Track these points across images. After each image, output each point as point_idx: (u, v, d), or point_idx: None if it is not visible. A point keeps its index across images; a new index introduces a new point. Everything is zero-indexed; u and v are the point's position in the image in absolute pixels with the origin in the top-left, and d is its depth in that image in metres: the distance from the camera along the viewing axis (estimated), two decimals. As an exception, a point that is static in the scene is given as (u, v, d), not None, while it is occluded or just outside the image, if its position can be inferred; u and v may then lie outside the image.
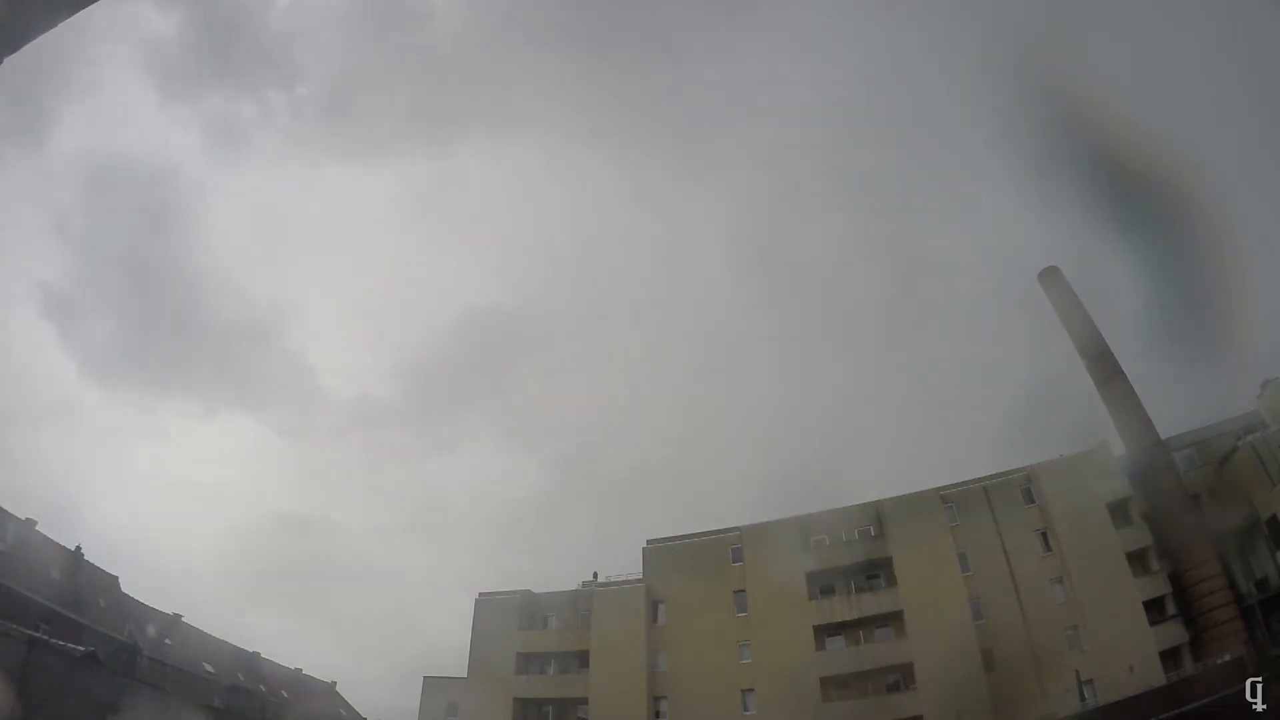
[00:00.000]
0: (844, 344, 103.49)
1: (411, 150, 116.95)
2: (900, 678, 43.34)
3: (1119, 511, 43.01)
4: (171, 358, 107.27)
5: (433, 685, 49.52)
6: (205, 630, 47.04)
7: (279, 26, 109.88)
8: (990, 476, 47.15)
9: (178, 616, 46.34)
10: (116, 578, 43.38)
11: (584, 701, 46.85)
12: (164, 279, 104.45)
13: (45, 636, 27.58)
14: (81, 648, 27.61)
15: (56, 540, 39.78)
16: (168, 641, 43.38)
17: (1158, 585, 41.07)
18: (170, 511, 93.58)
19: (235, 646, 48.44)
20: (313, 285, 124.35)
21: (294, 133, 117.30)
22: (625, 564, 52.61)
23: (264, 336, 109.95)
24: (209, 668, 43.19)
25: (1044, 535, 44.00)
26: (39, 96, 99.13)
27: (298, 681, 51.68)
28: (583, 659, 48.10)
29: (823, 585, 46.75)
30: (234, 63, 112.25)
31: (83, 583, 39.29)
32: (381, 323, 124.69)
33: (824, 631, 45.27)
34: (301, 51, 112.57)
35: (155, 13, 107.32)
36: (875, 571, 46.24)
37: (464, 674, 49.24)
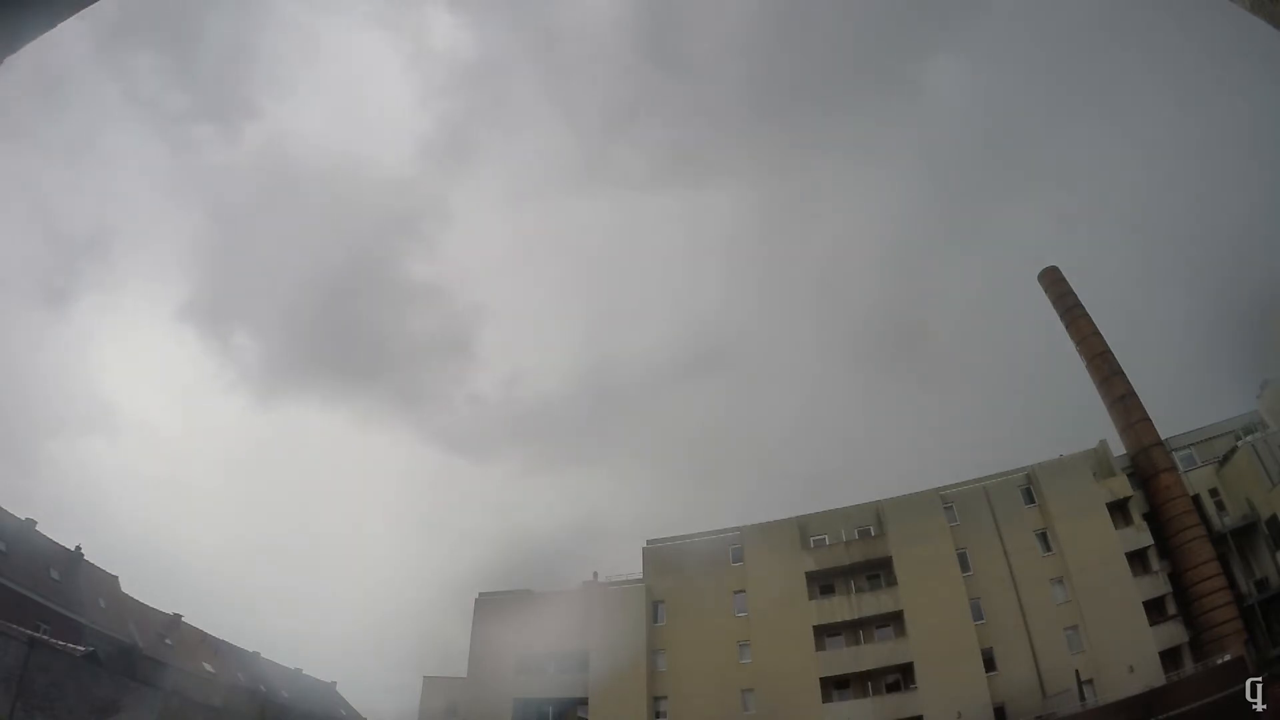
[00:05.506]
0: (844, 345, 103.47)
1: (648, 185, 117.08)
2: (900, 678, 43.32)
3: (1119, 511, 43.01)
4: (338, 367, 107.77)
5: (433, 685, 49.50)
6: (205, 630, 47.12)
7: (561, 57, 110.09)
8: (990, 476, 47.11)
9: (178, 616, 46.35)
10: (116, 578, 43.46)
11: (584, 702, 46.77)
12: (350, 287, 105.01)
13: (45, 636, 27.61)
14: (81, 648, 27.65)
15: (56, 540, 39.87)
16: (168, 641, 43.40)
17: (1158, 585, 41.03)
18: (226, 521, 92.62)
19: (235, 646, 48.47)
20: (500, 302, 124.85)
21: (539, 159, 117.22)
22: (626, 564, 52.57)
23: (444, 352, 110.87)
24: (209, 668, 43.23)
25: (1044, 535, 43.95)
26: (244, 89, 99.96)
27: (298, 681, 51.73)
28: (582, 659, 48.02)
29: (823, 585, 46.73)
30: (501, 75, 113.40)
31: (83, 583, 39.33)
32: (556, 338, 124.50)
33: (824, 631, 45.20)
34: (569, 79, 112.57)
35: (440, 15, 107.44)
36: (875, 571, 46.19)
37: (464, 674, 49.22)
